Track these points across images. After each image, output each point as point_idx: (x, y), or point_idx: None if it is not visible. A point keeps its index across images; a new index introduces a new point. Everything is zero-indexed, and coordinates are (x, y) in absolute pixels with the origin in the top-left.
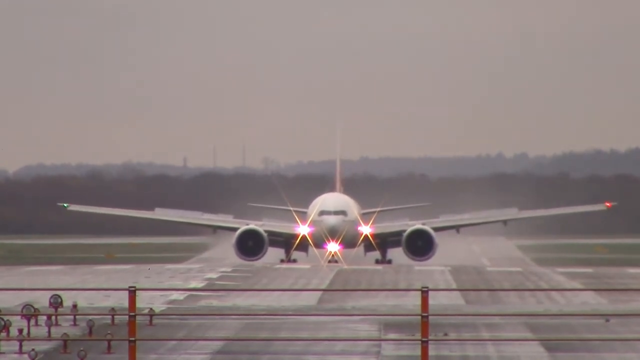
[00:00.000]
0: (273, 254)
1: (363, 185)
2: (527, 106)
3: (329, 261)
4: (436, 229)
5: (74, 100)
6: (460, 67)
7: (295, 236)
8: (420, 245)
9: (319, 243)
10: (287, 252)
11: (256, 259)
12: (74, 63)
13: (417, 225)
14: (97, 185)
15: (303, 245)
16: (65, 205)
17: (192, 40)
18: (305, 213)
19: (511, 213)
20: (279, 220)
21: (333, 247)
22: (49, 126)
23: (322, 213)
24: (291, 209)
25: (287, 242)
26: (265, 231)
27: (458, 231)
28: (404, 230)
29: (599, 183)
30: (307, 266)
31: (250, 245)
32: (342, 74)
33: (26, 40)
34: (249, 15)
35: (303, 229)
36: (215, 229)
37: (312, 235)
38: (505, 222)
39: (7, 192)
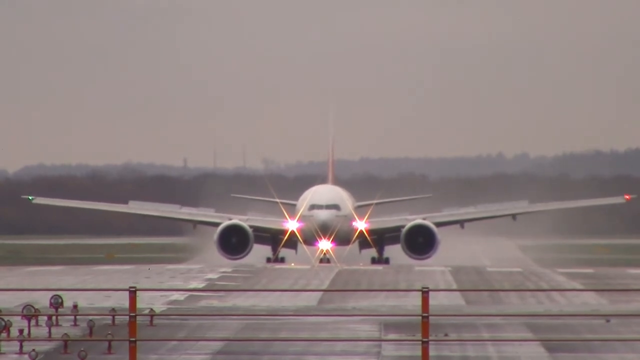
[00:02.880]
0: (259, 251)
1: (363, 186)
2: (527, 106)
3: (321, 260)
4: (438, 224)
5: (74, 100)
6: (461, 67)
7: (283, 232)
8: (420, 242)
9: (310, 240)
10: (275, 250)
11: (240, 257)
12: (74, 63)
13: (418, 220)
14: (97, 185)
15: (292, 242)
16: (30, 198)
17: (192, 41)
18: (294, 206)
19: (521, 206)
20: (266, 214)
21: (325, 244)
22: (49, 126)
23: (312, 207)
24: (278, 201)
25: (274, 238)
26: (250, 226)
27: (462, 226)
28: (403, 226)
29: (599, 183)
30: (306, 266)
31: (234, 242)
32: (342, 74)
33: (25, 41)
34: (249, 15)
35: (292, 225)
36: (195, 224)
37: (301, 231)
38: (514, 216)
39: (7, 192)
